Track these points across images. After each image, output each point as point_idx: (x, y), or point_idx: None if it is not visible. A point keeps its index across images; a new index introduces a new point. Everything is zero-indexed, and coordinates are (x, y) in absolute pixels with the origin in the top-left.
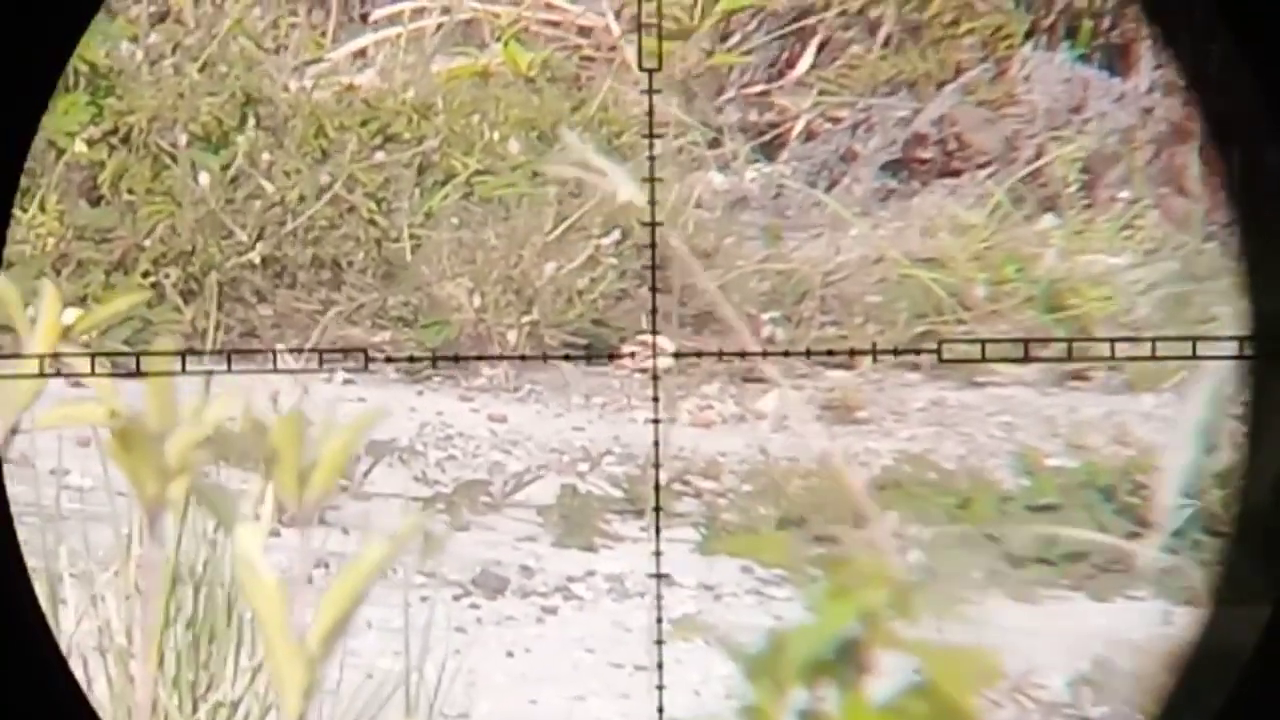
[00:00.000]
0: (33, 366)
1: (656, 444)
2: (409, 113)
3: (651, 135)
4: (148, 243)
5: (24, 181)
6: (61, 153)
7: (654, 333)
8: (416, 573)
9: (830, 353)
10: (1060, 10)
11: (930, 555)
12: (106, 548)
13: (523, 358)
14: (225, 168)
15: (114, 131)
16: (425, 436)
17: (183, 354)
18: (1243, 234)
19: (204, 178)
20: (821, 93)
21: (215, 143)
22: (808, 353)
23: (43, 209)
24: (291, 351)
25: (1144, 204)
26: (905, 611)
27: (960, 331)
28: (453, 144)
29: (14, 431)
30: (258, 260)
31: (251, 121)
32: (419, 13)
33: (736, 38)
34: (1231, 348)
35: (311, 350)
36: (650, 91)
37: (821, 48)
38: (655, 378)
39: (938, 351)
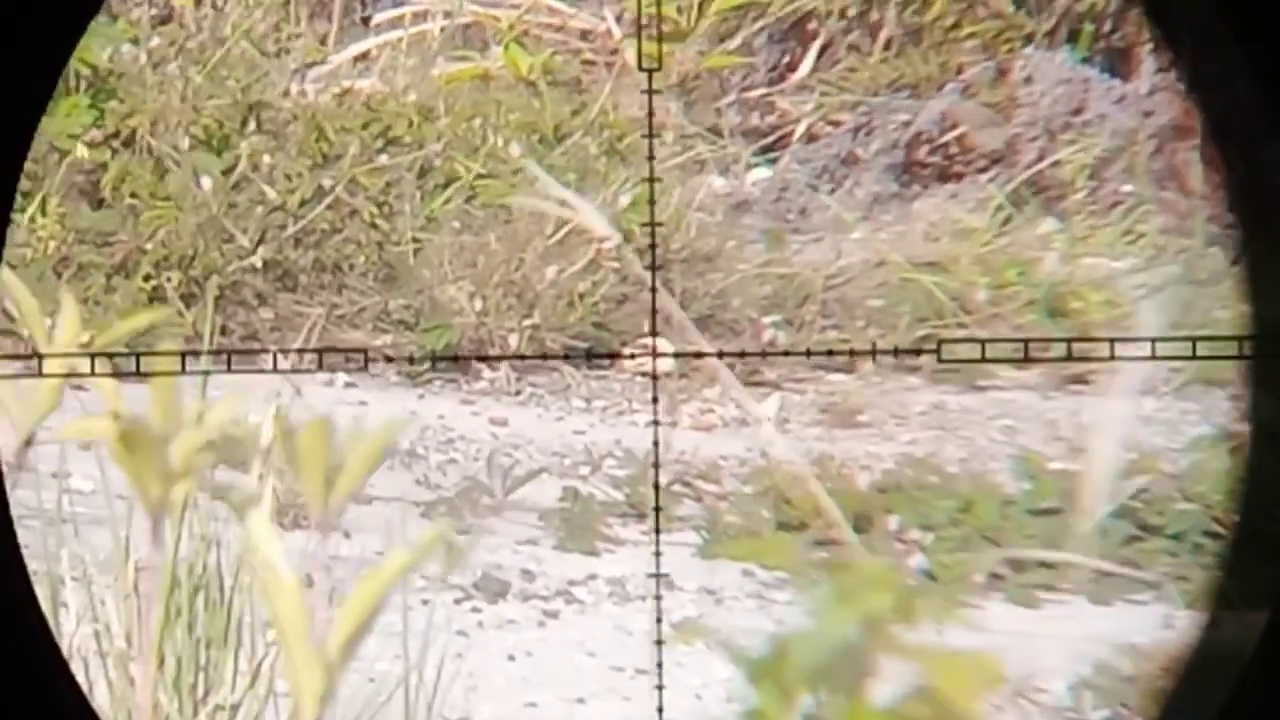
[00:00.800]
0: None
1: (656, 444)
2: (410, 116)
3: (651, 135)
4: (149, 246)
5: (25, 184)
6: (63, 155)
7: (654, 333)
8: (418, 576)
9: (830, 353)
10: (1061, 14)
11: (932, 559)
12: (106, 551)
13: (521, 358)
14: (227, 171)
15: (116, 134)
16: (426, 440)
17: (183, 355)
18: (1243, 235)
19: (205, 181)
20: (823, 95)
21: (217, 146)
22: (808, 353)
23: (44, 212)
24: (289, 352)
25: (1146, 208)
26: (908, 616)
27: (962, 335)
28: (454, 148)
29: (29, 443)
30: (259, 264)
31: (253, 125)
32: (420, 16)
33: (737, 40)
34: (1231, 348)
35: (312, 350)
36: (650, 91)
37: (823, 51)
38: (655, 379)
39: (937, 352)
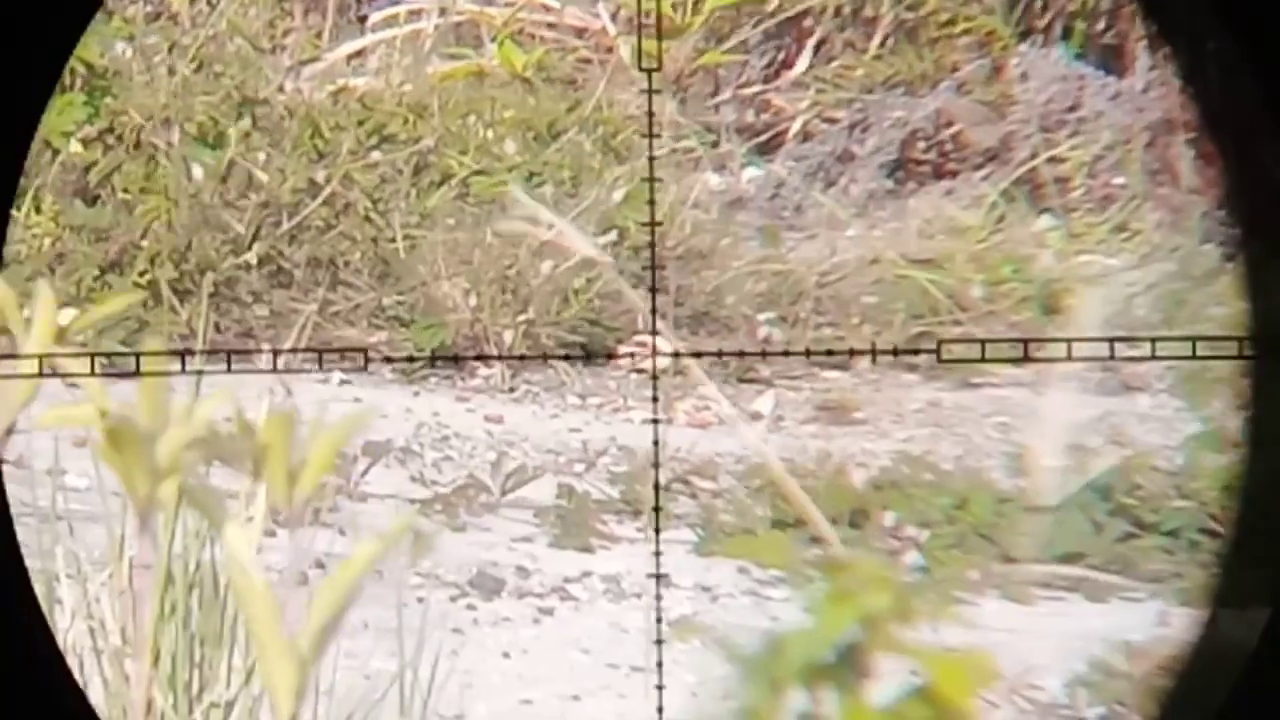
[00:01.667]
0: (30, 367)
1: (656, 444)
2: (405, 113)
3: (651, 135)
4: (144, 242)
5: (20, 181)
6: (57, 152)
7: (654, 333)
8: (413, 573)
9: (830, 353)
10: (1055, 11)
11: (927, 556)
12: (101, 548)
13: (521, 358)
14: (220, 167)
15: (109, 130)
16: (422, 437)
17: (181, 354)
18: (1242, 234)
19: (199, 176)
20: (818, 93)
21: (211, 142)
22: (808, 353)
23: (38, 209)
24: (284, 352)
25: (1141, 205)
26: (905, 615)
27: (957, 333)
28: (448, 144)
29: (10, 432)
30: (254, 260)
31: (247, 121)
32: (415, 14)
33: (733, 40)
34: (1231, 348)
35: (310, 350)
36: (650, 91)
37: (818, 48)
38: (654, 378)
39: (937, 352)
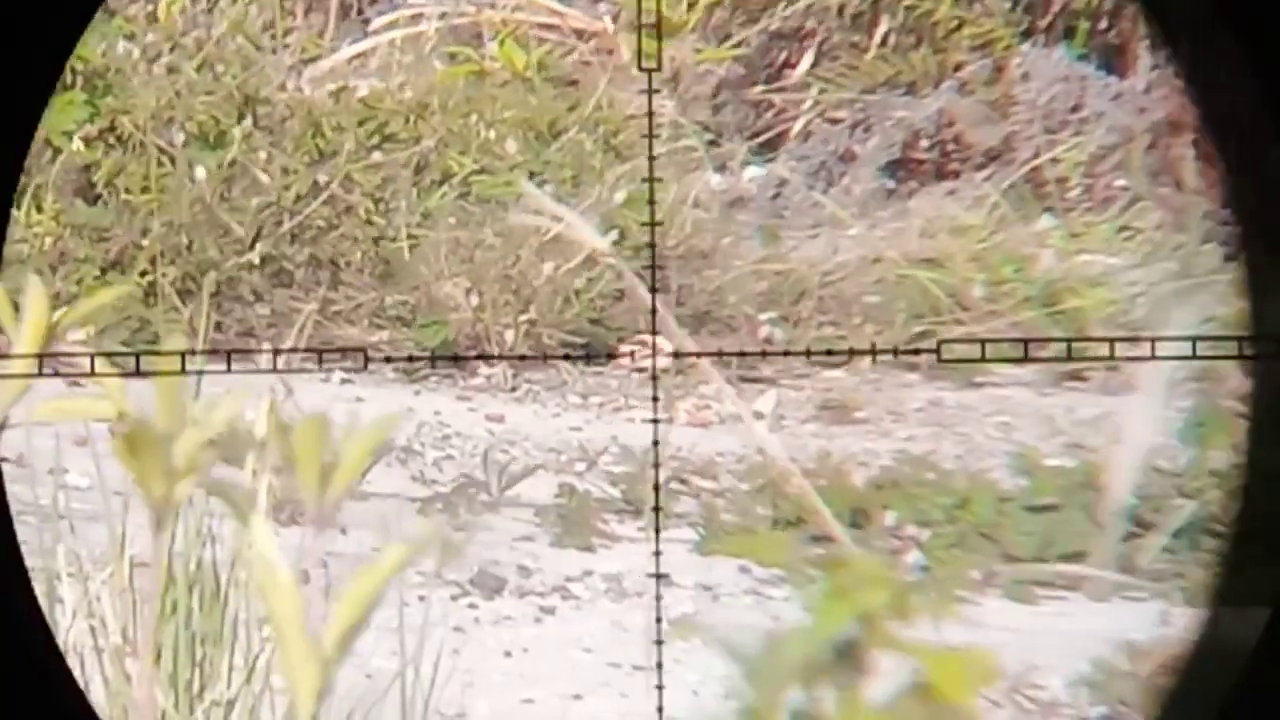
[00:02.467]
0: (26, 365)
1: (656, 443)
2: (406, 113)
3: (651, 135)
4: (145, 241)
5: (20, 180)
6: (58, 152)
7: (654, 333)
8: (416, 573)
9: (830, 353)
10: (1058, 11)
11: (928, 555)
12: (102, 547)
13: (521, 358)
14: (222, 167)
15: (111, 130)
16: (423, 436)
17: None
18: (1242, 234)
19: (200, 176)
20: (820, 93)
21: (212, 142)
22: (808, 353)
23: (39, 208)
24: (284, 352)
25: (1142, 204)
26: (904, 613)
27: (959, 332)
28: (450, 144)
29: (1, 427)
30: (255, 260)
31: (248, 121)
32: (417, 16)
33: (734, 39)
34: (1231, 348)
35: (308, 351)
36: (650, 92)
37: (820, 48)
38: (654, 378)
39: (937, 352)
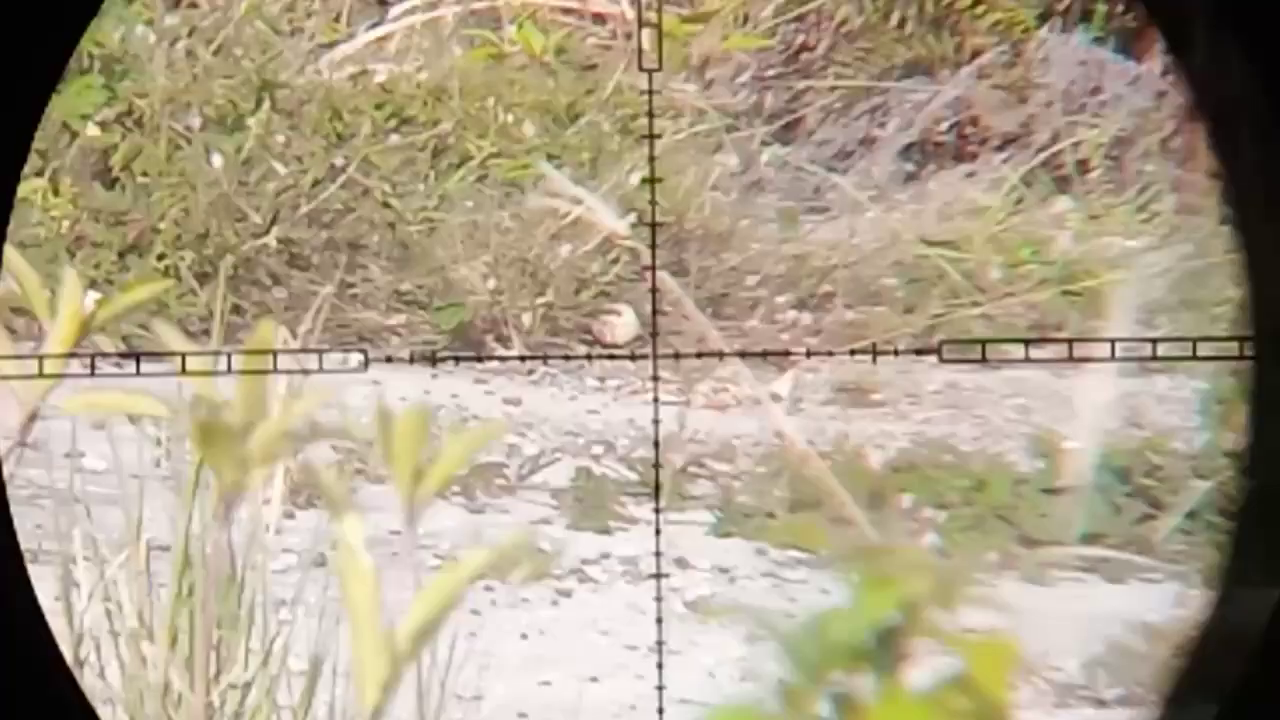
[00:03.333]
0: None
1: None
2: (423, 96)
3: (651, 136)
4: (162, 225)
5: (38, 163)
6: (75, 135)
7: (654, 334)
8: (431, 555)
9: (830, 353)
10: None
11: (945, 538)
12: (119, 530)
13: (522, 358)
14: (239, 150)
15: (128, 113)
16: (440, 420)
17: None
18: (1242, 231)
19: (218, 160)
20: (838, 76)
21: (230, 126)
22: (808, 354)
23: (56, 191)
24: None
25: (1160, 187)
26: (945, 601)
27: (975, 313)
28: (467, 127)
29: (34, 418)
30: (272, 243)
31: (266, 104)
32: (435, 3)
33: (754, 23)
34: (1231, 347)
35: (307, 350)
36: (650, 92)
37: (838, 31)
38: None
39: (938, 352)
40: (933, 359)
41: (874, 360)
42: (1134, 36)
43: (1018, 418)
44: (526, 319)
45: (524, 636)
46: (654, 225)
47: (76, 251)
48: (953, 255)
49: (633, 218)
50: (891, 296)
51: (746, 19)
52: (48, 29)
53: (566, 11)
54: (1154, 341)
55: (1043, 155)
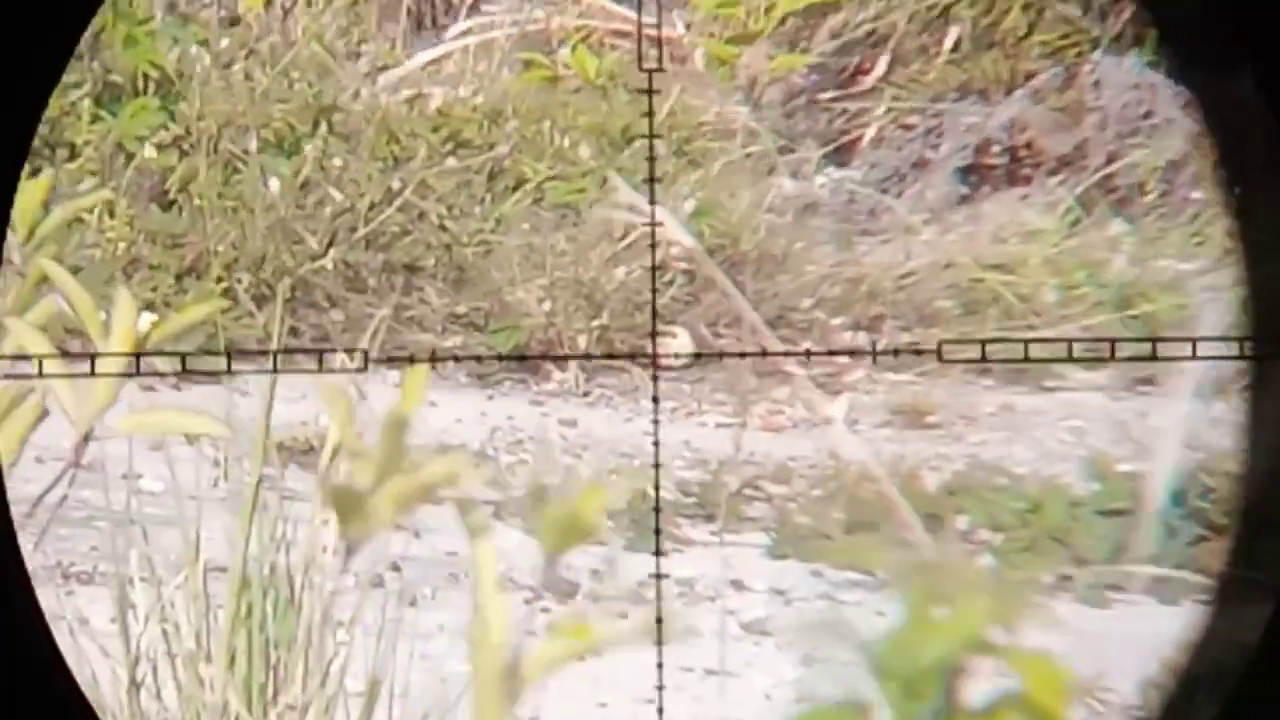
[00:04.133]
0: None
1: (656, 444)
2: (479, 119)
3: (652, 136)
4: (219, 248)
5: (93, 184)
6: (131, 157)
7: (654, 335)
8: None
9: (831, 353)
10: (1128, 18)
11: (1000, 559)
12: (176, 551)
13: (521, 358)
14: (296, 174)
15: (185, 136)
16: (496, 441)
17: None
18: (1241, 234)
19: (274, 183)
20: (893, 100)
21: (287, 148)
22: (808, 354)
23: (112, 213)
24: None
25: (1214, 210)
26: (1003, 620)
27: (1031, 336)
28: (523, 150)
29: (88, 439)
30: (330, 266)
31: (323, 128)
32: (490, 24)
33: (807, 45)
34: (1231, 348)
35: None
36: (650, 92)
37: (893, 54)
38: (655, 378)
39: (938, 353)
40: (985, 381)
41: (874, 360)
42: None
43: (1073, 440)
44: (582, 340)
45: (580, 658)
46: (654, 225)
47: (133, 274)
48: (1007, 278)
49: (690, 240)
50: (946, 319)
51: (799, 41)
52: (47, 29)
53: (620, 34)
54: (1154, 341)
55: (1096, 177)
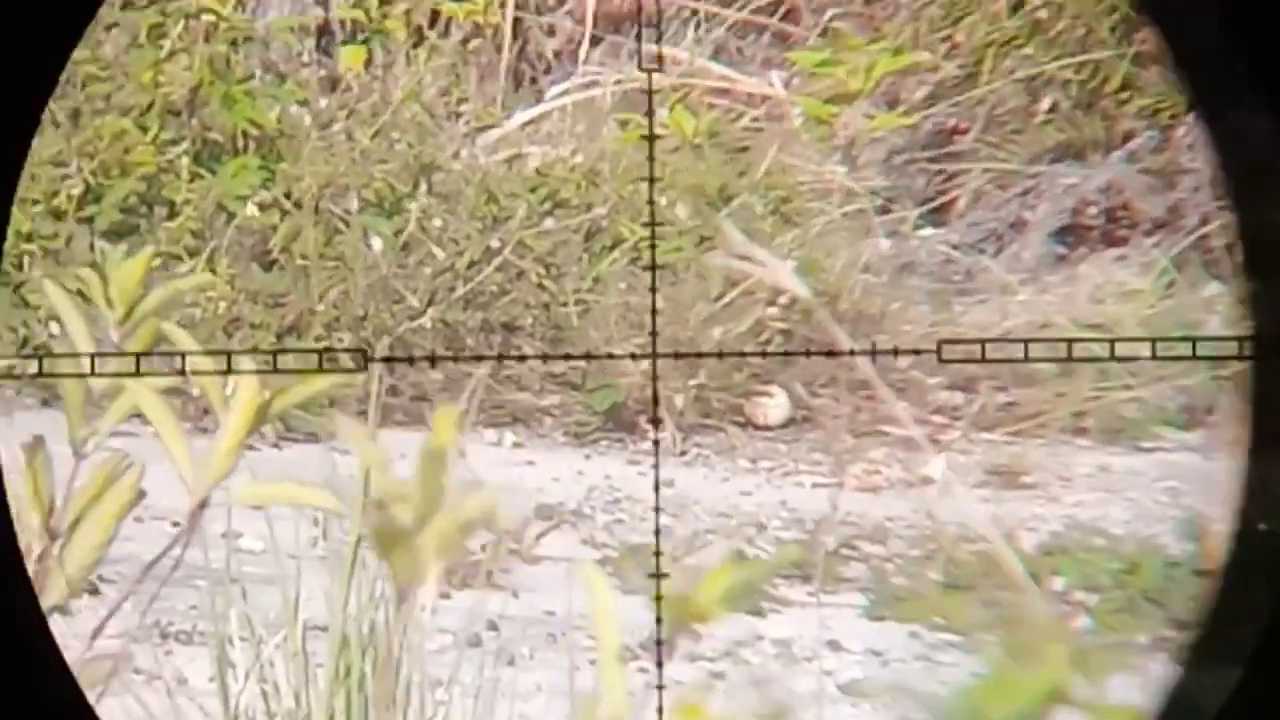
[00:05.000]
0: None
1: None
2: (577, 179)
3: (652, 136)
4: (320, 307)
5: (193, 243)
6: (232, 216)
7: (654, 346)
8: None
9: (830, 354)
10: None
11: (1096, 620)
12: (275, 610)
13: (516, 363)
14: (398, 234)
15: (287, 195)
16: (593, 500)
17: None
18: (1241, 235)
19: (376, 243)
20: (988, 160)
21: (388, 209)
22: (807, 354)
23: (214, 271)
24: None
25: None
26: (1085, 671)
27: (1126, 397)
28: (620, 210)
29: (203, 506)
30: (428, 324)
31: (424, 187)
32: (589, 84)
33: (904, 104)
34: (1231, 348)
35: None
36: (650, 92)
37: (989, 114)
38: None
39: (938, 353)
40: (1081, 441)
41: (873, 361)
42: None
43: (1168, 500)
44: (679, 400)
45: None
46: (653, 225)
47: (233, 333)
48: (1104, 338)
49: (786, 299)
50: (1043, 379)
51: (898, 101)
52: (46, 31)
53: (718, 92)
54: (1154, 341)
55: (1191, 239)
